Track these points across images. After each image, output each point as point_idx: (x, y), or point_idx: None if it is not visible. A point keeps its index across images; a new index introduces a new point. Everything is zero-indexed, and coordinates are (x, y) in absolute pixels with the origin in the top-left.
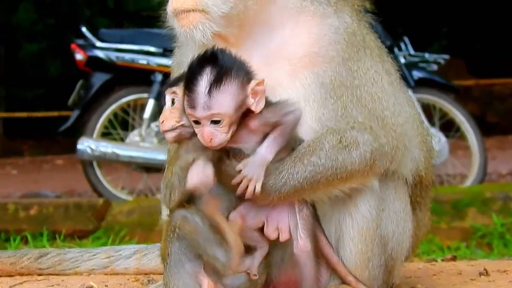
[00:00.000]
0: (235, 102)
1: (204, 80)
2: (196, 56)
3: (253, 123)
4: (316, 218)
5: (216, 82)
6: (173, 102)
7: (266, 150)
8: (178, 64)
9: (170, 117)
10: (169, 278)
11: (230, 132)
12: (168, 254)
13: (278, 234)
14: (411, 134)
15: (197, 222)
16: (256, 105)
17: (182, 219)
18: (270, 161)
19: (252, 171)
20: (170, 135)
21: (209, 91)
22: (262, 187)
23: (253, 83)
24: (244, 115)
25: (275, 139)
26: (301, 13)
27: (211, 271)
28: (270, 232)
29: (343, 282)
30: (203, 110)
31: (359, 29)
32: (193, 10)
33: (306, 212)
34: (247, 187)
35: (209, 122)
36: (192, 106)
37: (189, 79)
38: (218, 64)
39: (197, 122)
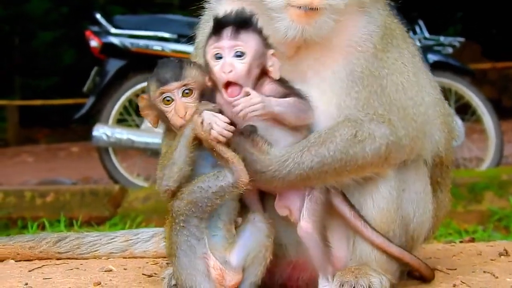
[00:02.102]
0: (259, 47)
1: (233, 18)
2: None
3: (265, 90)
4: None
5: (245, 22)
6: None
7: (275, 102)
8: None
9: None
10: (181, 271)
11: (249, 77)
12: (177, 247)
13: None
14: (432, 118)
15: (190, 189)
16: (273, 70)
17: (178, 203)
18: (274, 113)
19: (256, 101)
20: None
21: (238, 26)
22: (264, 172)
23: (271, 50)
24: (259, 82)
25: (286, 101)
26: (347, 6)
27: (216, 252)
28: (279, 207)
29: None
30: (229, 39)
31: (390, 20)
32: (319, 9)
33: (315, 195)
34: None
35: (232, 54)
36: (219, 36)
37: (218, 19)
38: (246, 13)
39: (218, 57)
